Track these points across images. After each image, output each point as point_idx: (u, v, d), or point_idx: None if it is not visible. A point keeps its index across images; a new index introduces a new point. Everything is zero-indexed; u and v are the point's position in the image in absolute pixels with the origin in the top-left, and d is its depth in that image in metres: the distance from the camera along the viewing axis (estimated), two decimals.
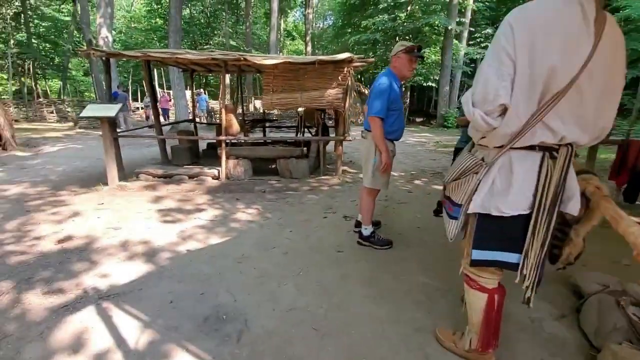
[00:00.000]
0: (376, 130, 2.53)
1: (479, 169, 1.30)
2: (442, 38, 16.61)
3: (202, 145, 6.90)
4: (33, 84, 19.15)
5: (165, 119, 13.33)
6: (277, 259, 2.65)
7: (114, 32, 13.77)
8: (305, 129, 6.45)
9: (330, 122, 7.18)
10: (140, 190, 4.46)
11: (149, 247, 2.80)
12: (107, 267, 2.46)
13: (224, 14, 24.16)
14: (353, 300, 2.12)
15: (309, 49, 23.30)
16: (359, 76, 21.14)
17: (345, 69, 4.61)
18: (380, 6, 17.61)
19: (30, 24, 19.71)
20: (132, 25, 27.69)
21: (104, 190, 4.38)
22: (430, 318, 1.95)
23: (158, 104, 6.67)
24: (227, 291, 2.19)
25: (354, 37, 17.84)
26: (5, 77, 18.23)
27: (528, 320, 1.91)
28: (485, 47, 17.77)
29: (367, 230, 2.83)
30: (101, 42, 11.27)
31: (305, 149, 5.31)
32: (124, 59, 16.77)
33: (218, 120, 14.92)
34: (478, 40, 18.38)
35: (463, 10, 16.79)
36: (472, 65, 18.86)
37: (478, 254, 1.34)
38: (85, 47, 4.07)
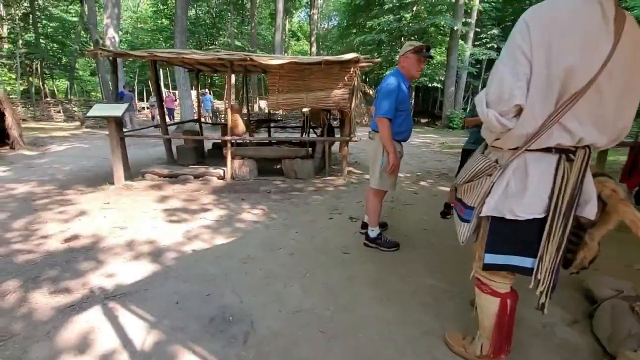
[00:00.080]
0: (384, 131, 2.51)
1: (493, 171, 1.27)
2: (448, 39, 16.53)
3: (207, 145, 6.92)
4: (41, 83, 19.32)
5: (170, 119, 13.38)
6: (282, 260, 2.63)
7: (120, 32, 13.84)
8: (311, 130, 6.44)
9: (335, 122, 7.16)
10: (146, 189, 4.47)
11: (155, 246, 2.80)
12: (113, 266, 2.46)
13: (229, 14, 24.26)
14: (359, 302, 2.10)
15: (314, 49, 23.30)
16: (364, 77, 21.12)
17: (352, 69, 4.59)
18: (386, 7, 17.59)
19: (39, 25, 19.92)
20: (139, 26, 27.87)
21: (110, 190, 4.40)
22: (438, 321, 1.92)
23: (163, 103, 6.70)
24: (232, 292, 2.17)
25: (359, 37, 17.82)
26: (14, 76, 18.41)
27: (540, 325, 1.87)
28: (491, 48, 17.70)
29: (374, 231, 2.81)
30: (108, 43, 11.36)
31: (310, 149, 5.29)
32: (131, 59, 16.88)
33: (223, 121, 14.99)
34: (484, 40, 18.27)
35: (469, 10, 16.71)
36: (478, 66, 18.75)
37: (491, 258, 1.31)
38: (92, 48, 4.09)
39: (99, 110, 4.42)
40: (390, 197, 4.18)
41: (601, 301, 1.92)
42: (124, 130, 5.15)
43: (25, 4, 19.70)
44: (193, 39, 22.02)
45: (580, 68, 1.06)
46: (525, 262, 1.29)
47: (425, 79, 17.57)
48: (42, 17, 20.96)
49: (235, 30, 23.97)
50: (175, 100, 14.86)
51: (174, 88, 17.22)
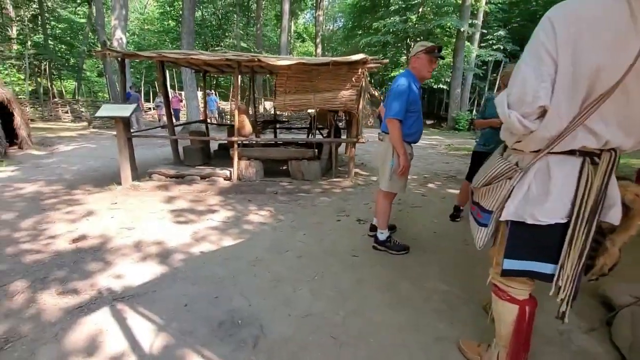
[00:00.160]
0: (394, 132, 2.47)
1: (513, 174, 1.23)
2: (454, 40, 16.45)
3: (213, 145, 6.92)
4: (49, 84, 19.50)
5: (175, 120, 13.44)
6: (291, 263, 2.60)
7: (127, 34, 13.96)
8: (317, 131, 6.42)
9: (340, 123, 7.13)
10: (153, 190, 4.47)
11: (163, 247, 2.78)
12: (121, 267, 2.45)
13: (235, 16, 24.35)
14: (370, 306, 2.07)
15: (319, 50, 23.30)
16: (369, 78, 21.05)
17: (360, 70, 4.56)
18: (392, 8, 17.56)
19: (47, 26, 20.15)
20: (145, 27, 28.12)
21: (117, 190, 4.40)
22: (451, 327, 1.88)
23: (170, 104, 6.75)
24: (241, 295, 2.15)
25: (365, 39, 17.78)
26: (22, 77, 18.61)
27: (556, 332, 1.82)
28: (497, 49, 17.57)
29: (383, 234, 2.77)
30: (115, 44, 11.45)
31: (316, 150, 5.27)
32: (137, 60, 17.03)
33: (228, 121, 15.02)
34: (490, 42, 18.14)
35: (475, 12, 16.61)
36: (484, 67, 18.63)
37: (510, 264, 1.27)
38: (101, 49, 4.11)
39: (107, 110, 4.43)
40: (398, 200, 4.13)
41: (619, 308, 1.86)
42: (131, 130, 5.16)
43: (34, 6, 19.95)
44: (199, 41, 22.12)
45: (607, 68, 1.02)
46: (546, 268, 1.25)
47: (431, 80, 17.44)
48: (51, 18, 21.22)
49: (241, 32, 24.06)
50: (181, 101, 14.93)
51: (180, 89, 17.31)
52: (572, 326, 1.86)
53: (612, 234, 1.38)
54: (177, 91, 18.49)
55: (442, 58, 2.61)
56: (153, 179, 4.89)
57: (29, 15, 20.18)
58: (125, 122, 4.49)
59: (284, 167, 5.41)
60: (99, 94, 25.05)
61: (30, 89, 18.04)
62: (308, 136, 6.85)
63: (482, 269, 2.43)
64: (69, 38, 22.05)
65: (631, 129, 1.11)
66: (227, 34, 24.68)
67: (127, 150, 4.50)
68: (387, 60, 6.06)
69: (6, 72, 18.45)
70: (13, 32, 19.91)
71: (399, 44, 18.80)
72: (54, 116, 15.72)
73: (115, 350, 1.65)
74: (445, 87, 17.94)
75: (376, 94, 18.02)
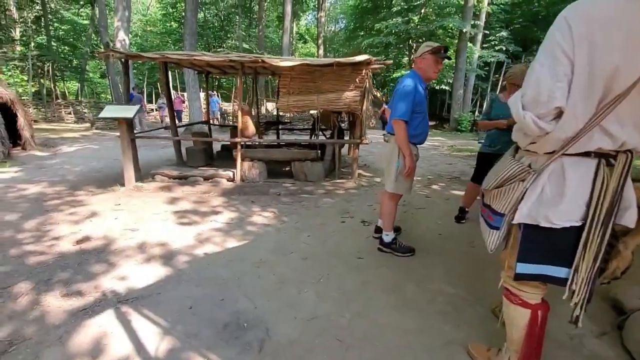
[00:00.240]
0: (400, 134, 2.45)
1: (526, 176, 1.21)
2: (456, 41, 16.42)
3: (216, 146, 6.91)
4: (52, 85, 19.58)
5: (177, 121, 13.43)
6: (295, 264, 2.58)
7: (130, 35, 14.01)
8: (320, 132, 6.40)
9: (343, 124, 7.11)
10: (156, 191, 4.46)
11: (166, 249, 2.77)
12: (125, 269, 2.43)
13: (237, 17, 24.42)
14: (375, 309, 2.04)
15: (321, 52, 23.32)
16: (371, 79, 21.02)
17: (364, 71, 4.54)
18: (394, 9, 17.56)
19: (50, 27, 20.26)
20: (148, 29, 28.22)
21: (120, 191, 4.40)
22: (458, 330, 1.85)
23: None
24: (246, 297, 2.13)
25: (367, 40, 17.79)
26: (26, 78, 18.70)
27: (566, 337, 1.79)
28: (500, 50, 17.54)
29: (388, 236, 2.75)
30: (118, 45, 11.48)
31: (319, 151, 5.25)
32: (140, 61, 17.08)
33: (230, 122, 15.02)
34: (492, 43, 18.11)
35: (477, 12, 16.59)
36: (486, 68, 18.59)
37: (523, 267, 1.25)
38: (104, 50, 4.13)
39: (111, 111, 4.43)
40: (403, 201, 4.10)
41: (630, 312, 1.84)
42: (134, 131, 5.15)
43: (37, 7, 20.06)
44: (201, 42, 22.19)
45: (624, 68, 1.00)
46: (560, 272, 1.22)
47: (433, 81, 17.42)
48: (54, 20, 21.34)
49: (243, 33, 24.12)
50: (184, 102, 14.94)
51: (182, 90, 17.33)
52: (583, 330, 1.83)
53: (625, 236, 1.35)
54: (179, 92, 18.53)
55: (449, 59, 2.58)
56: (156, 180, 4.88)
57: (32, 17, 20.28)
58: (129, 123, 4.48)
59: (287, 168, 5.40)
60: (102, 95, 25.14)
61: (33, 90, 18.12)
62: (311, 137, 6.84)
63: (488, 271, 2.43)
64: (71, 39, 22.16)
65: None
66: (229, 36, 24.74)
67: (130, 151, 4.50)
68: (391, 62, 6.05)
69: (9, 73, 18.53)
70: (16, 33, 20.00)
71: (401, 45, 18.80)
72: (57, 117, 15.79)
73: (120, 353, 1.63)
74: (447, 88, 17.92)
75: (378, 94, 18.01)
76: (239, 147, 4.81)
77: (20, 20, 19.98)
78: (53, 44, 20.22)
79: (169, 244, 2.86)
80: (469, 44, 16.18)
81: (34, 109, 15.41)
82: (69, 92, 22.20)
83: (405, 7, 17.27)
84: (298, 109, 4.87)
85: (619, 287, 2.02)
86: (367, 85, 4.69)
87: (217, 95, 17.88)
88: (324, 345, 1.74)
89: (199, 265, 2.52)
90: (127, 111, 4.33)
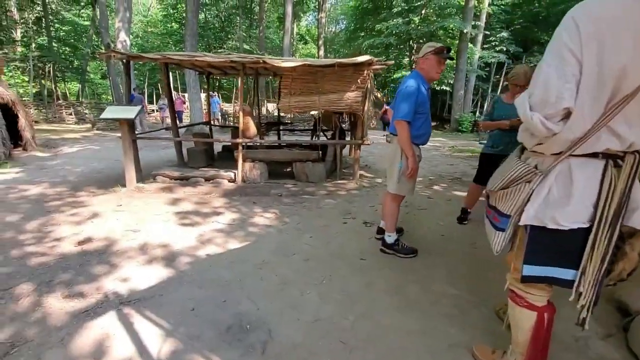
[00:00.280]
0: (403, 134, 2.44)
1: (532, 177, 1.20)
2: (457, 41, 16.40)
3: (217, 147, 6.91)
4: (53, 86, 19.62)
5: (178, 122, 13.43)
6: (297, 266, 2.57)
7: (131, 36, 14.03)
8: (321, 132, 6.39)
9: (344, 125, 7.10)
10: (157, 192, 4.45)
11: (168, 250, 2.76)
12: (127, 270, 2.42)
13: (237, 18, 24.44)
14: (379, 310, 2.03)
15: (322, 52, 23.35)
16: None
17: (365, 72, 4.53)
18: (394, 10, 17.55)
19: (51, 28, 20.30)
20: (149, 30, 28.25)
21: (122, 192, 4.39)
22: (462, 332, 1.84)
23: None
24: (248, 298, 2.12)
25: (367, 40, 17.78)
26: (27, 79, 18.74)
27: (572, 339, 1.78)
28: (500, 51, 17.52)
29: (390, 237, 2.73)
30: (119, 46, 11.48)
31: (321, 152, 5.24)
32: (141, 62, 17.09)
33: (231, 123, 15.02)
34: (493, 43, 18.10)
35: (478, 13, 16.59)
36: (487, 69, 18.57)
37: (529, 270, 1.24)
38: (105, 51, 4.13)
39: (112, 112, 4.42)
40: (405, 202, 4.08)
41: (636, 314, 1.82)
42: (135, 132, 5.15)
43: (38, 8, 20.09)
44: (202, 43, 22.20)
45: (632, 68, 0.99)
46: (567, 274, 1.21)
47: (434, 82, 17.44)
48: (55, 21, 21.38)
49: (244, 34, 24.14)
50: (184, 103, 14.95)
51: (183, 91, 17.34)
52: (589, 332, 1.82)
53: (631, 238, 1.34)
54: (180, 93, 18.54)
55: (452, 59, 2.58)
56: (157, 181, 4.88)
57: (33, 18, 20.32)
58: (131, 124, 4.48)
59: (289, 169, 5.39)
60: (103, 96, 25.18)
61: (34, 91, 18.17)
62: (312, 138, 6.83)
63: (491, 272, 2.42)
64: (72, 40, 22.20)
65: None
66: (230, 37, 24.75)
67: (131, 152, 4.49)
68: (392, 62, 6.04)
69: (10, 74, 18.55)
70: (17, 34, 20.05)
71: (402, 46, 18.80)
72: (58, 118, 15.80)
73: (122, 355, 1.62)
74: (448, 88, 17.90)
75: (379, 95, 18.00)
76: (240, 147, 4.80)
77: (22, 21, 20.02)
78: (54, 45, 20.25)
79: (170, 245, 2.85)
80: (470, 45, 16.17)
81: (35, 109, 15.43)
82: (70, 93, 22.26)
83: (406, 7, 17.26)
84: (299, 109, 4.86)
85: (625, 289, 2.00)
86: (369, 86, 4.68)
87: (218, 96, 17.89)
88: (327, 347, 1.73)
89: (200, 267, 2.51)
90: (129, 112, 4.33)
